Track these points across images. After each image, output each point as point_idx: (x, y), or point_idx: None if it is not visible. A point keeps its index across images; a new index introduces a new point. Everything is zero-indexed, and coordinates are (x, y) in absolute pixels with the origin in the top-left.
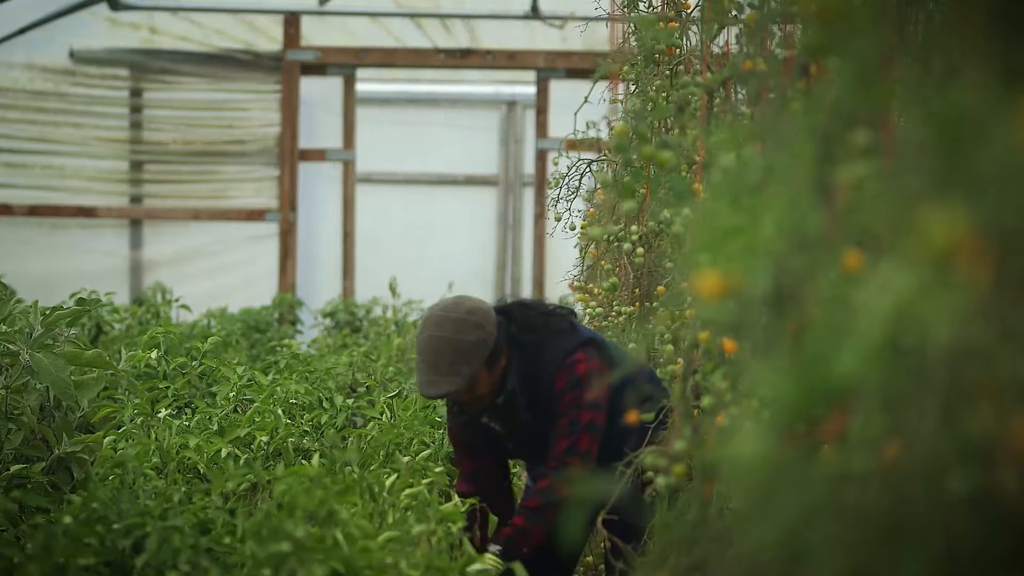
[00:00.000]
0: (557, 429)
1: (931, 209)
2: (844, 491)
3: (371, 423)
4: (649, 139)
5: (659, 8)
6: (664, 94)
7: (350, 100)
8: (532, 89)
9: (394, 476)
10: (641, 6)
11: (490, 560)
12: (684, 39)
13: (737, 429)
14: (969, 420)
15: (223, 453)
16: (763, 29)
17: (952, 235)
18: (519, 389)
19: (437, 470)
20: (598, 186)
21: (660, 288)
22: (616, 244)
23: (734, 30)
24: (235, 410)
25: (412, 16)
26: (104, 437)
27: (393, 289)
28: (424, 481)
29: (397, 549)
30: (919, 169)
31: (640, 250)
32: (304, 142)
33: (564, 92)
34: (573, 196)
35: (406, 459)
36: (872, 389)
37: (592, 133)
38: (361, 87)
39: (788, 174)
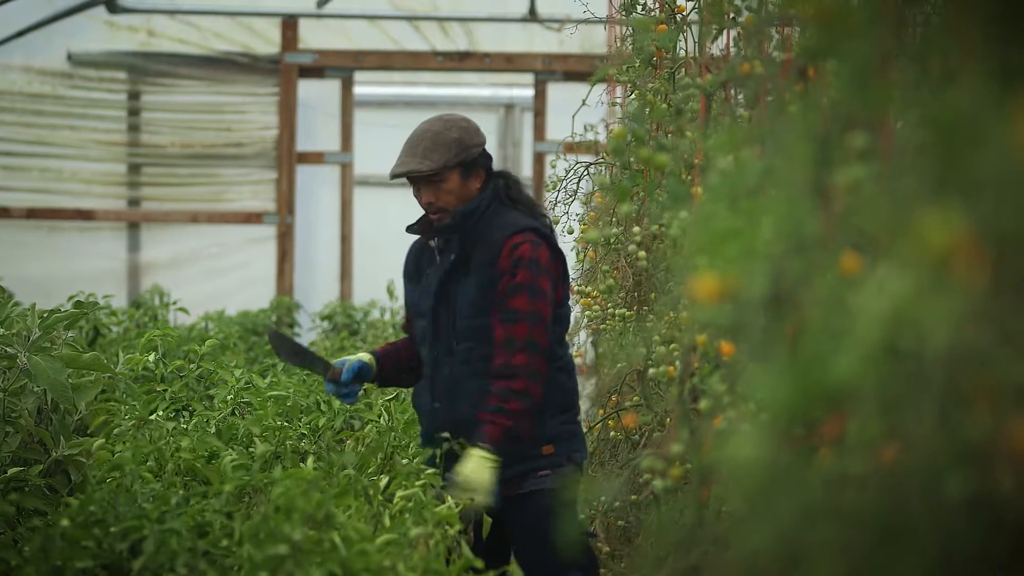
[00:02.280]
0: (493, 312)
1: (928, 212)
2: (841, 494)
3: (369, 426)
4: (647, 142)
5: (656, 11)
6: (661, 97)
7: (348, 103)
8: (530, 92)
9: (387, 479)
10: (638, 9)
11: (478, 454)
12: (682, 42)
13: (734, 432)
14: (966, 423)
15: (227, 460)
16: (761, 32)
17: (949, 238)
18: (479, 231)
19: (430, 472)
20: (596, 189)
21: (652, 295)
22: (615, 247)
23: (732, 33)
24: (233, 413)
25: (410, 19)
26: (101, 440)
27: (391, 292)
28: (418, 483)
29: (395, 552)
30: (916, 172)
31: (643, 253)
32: (302, 145)
33: (562, 95)
34: (571, 199)
35: (404, 462)
36: (869, 392)
37: (590, 136)
38: (359, 90)
39: (786, 177)
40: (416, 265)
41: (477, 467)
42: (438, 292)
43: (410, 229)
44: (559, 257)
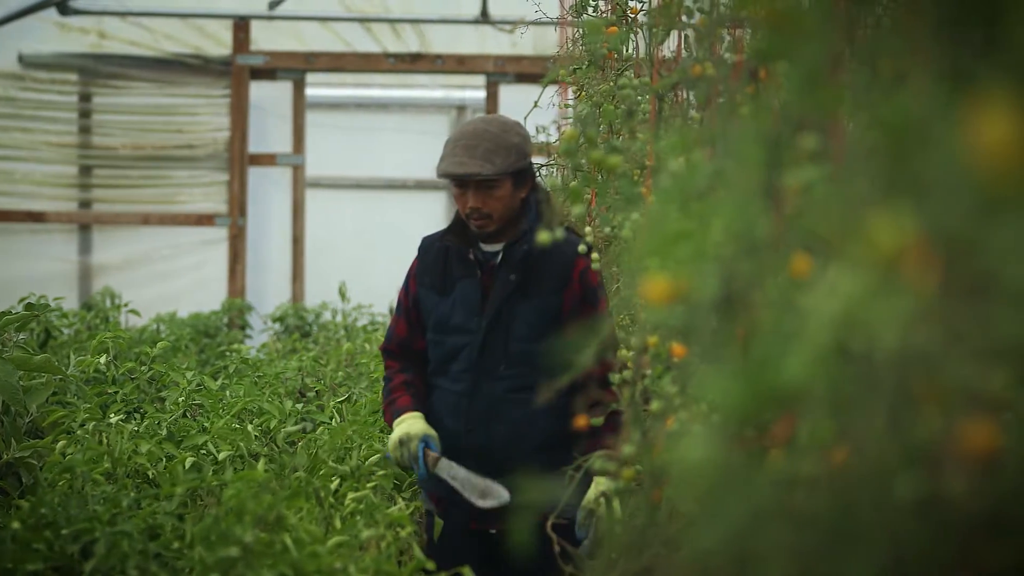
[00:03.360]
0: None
1: (878, 214)
2: (792, 495)
3: (320, 428)
4: (598, 143)
5: (607, 13)
6: (612, 98)
7: (300, 105)
8: (482, 94)
9: (338, 480)
10: (589, 11)
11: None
12: (633, 43)
13: (686, 433)
14: (916, 425)
15: (186, 463)
16: (712, 34)
17: (899, 240)
18: (528, 249)
19: (381, 473)
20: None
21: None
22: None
23: (684, 35)
24: (184, 415)
25: (361, 21)
26: (53, 442)
27: (343, 294)
28: (369, 485)
29: (346, 554)
30: (866, 174)
31: (596, 255)
32: (254, 147)
33: (514, 96)
34: None
35: (353, 463)
36: (819, 394)
37: (542, 137)
38: (311, 92)
39: (736, 179)
40: (442, 274)
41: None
42: (497, 313)
43: (447, 238)
44: None
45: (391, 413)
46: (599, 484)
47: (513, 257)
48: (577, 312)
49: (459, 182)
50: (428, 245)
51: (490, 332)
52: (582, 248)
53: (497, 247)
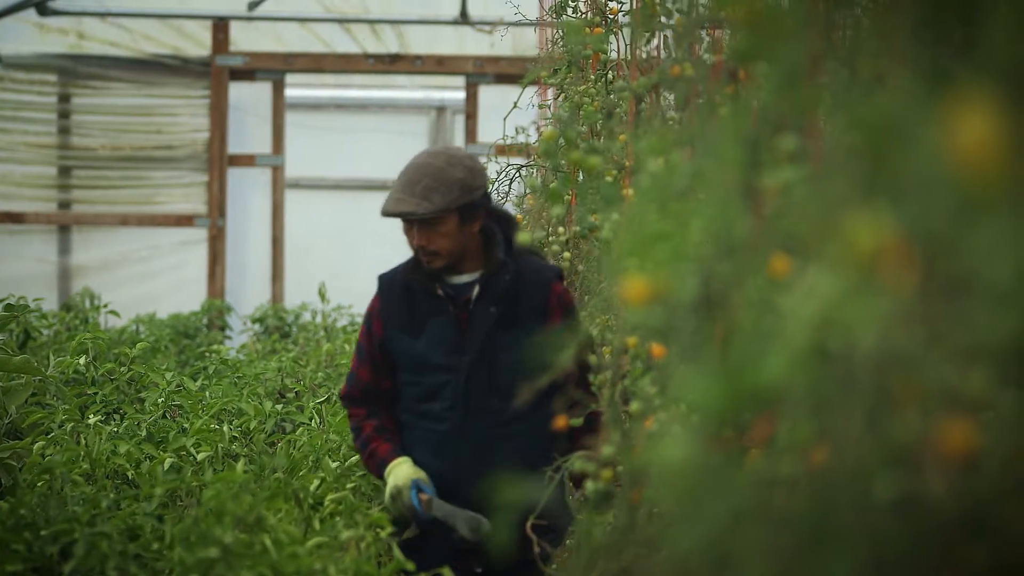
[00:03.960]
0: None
1: (857, 214)
2: (771, 496)
3: (300, 429)
4: (577, 144)
5: (587, 14)
6: (590, 99)
7: (279, 105)
8: (461, 94)
9: (318, 481)
10: (569, 12)
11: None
12: (613, 44)
13: (665, 434)
14: (895, 425)
15: (166, 464)
16: (691, 34)
17: (878, 240)
18: (509, 281)
19: (360, 474)
20: (528, 192)
21: (585, 296)
22: (545, 249)
23: (663, 35)
24: (164, 416)
25: (341, 21)
26: (32, 443)
27: (323, 295)
28: (348, 486)
29: (326, 555)
30: (845, 175)
31: (567, 254)
32: (233, 147)
33: (493, 97)
34: (503, 201)
35: (334, 464)
36: (798, 394)
37: (521, 138)
38: (290, 92)
39: (715, 179)
40: (410, 314)
41: None
42: (480, 348)
43: (411, 276)
44: None
45: (374, 464)
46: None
47: (494, 289)
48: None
49: (404, 220)
50: (389, 283)
51: (474, 368)
52: (555, 270)
53: (466, 279)
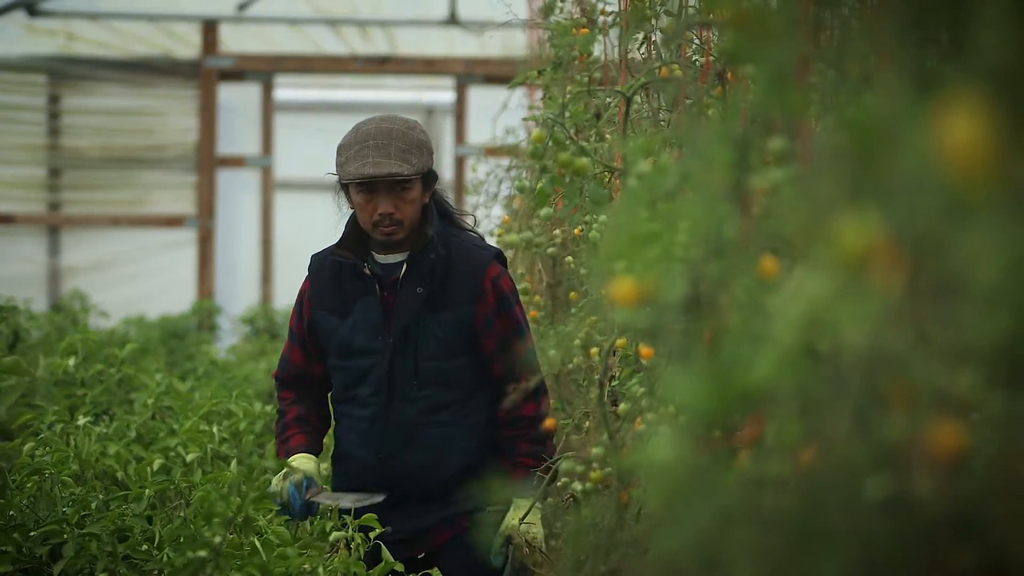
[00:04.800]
0: (494, 338)
1: (845, 215)
2: (759, 497)
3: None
4: (566, 145)
5: (576, 15)
6: (579, 100)
7: (268, 106)
8: (450, 96)
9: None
10: (558, 13)
11: (525, 503)
12: (603, 45)
13: (653, 434)
14: (883, 426)
15: (155, 465)
16: (679, 36)
17: (866, 241)
18: (436, 259)
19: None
20: (516, 193)
21: (572, 294)
22: (534, 250)
23: (653, 37)
24: (153, 417)
25: (330, 23)
26: (22, 444)
27: None
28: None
29: (315, 555)
30: (834, 175)
31: (570, 258)
32: (223, 148)
33: (482, 98)
34: (492, 202)
35: (324, 466)
36: (787, 395)
37: (511, 139)
38: (280, 94)
39: (704, 180)
40: (339, 294)
41: (533, 516)
42: (404, 330)
43: (337, 253)
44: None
45: (284, 452)
46: (519, 508)
47: (420, 268)
48: (491, 324)
49: (368, 187)
50: (319, 264)
51: (398, 351)
52: (492, 250)
53: (396, 258)
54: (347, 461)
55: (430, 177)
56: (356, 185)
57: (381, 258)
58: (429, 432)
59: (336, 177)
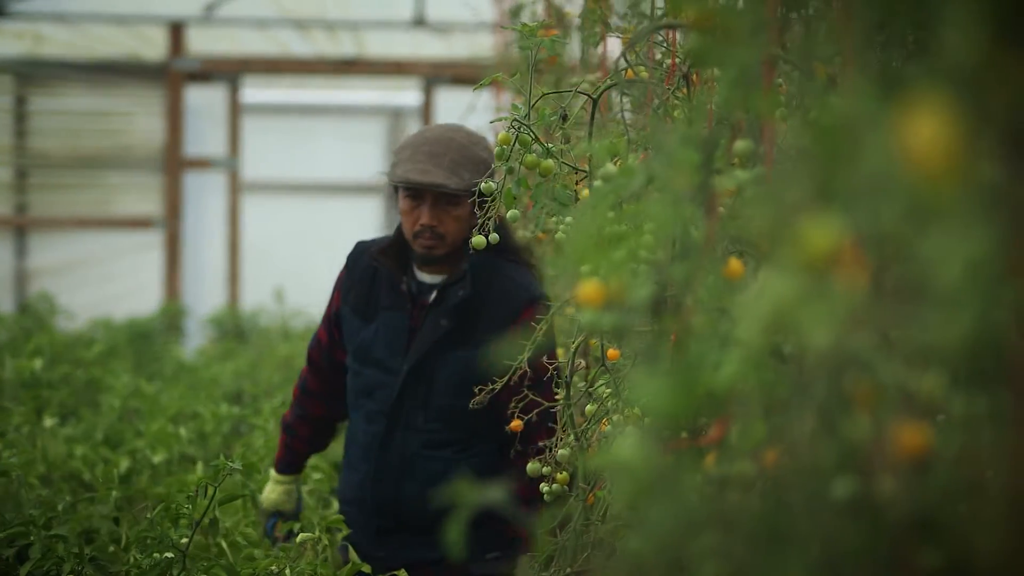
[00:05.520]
0: (511, 388)
1: (809, 217)
2: (724, 498)
3: (256, 431)
4: (532, 147)
5: (543, 17)
6: (548, 102)
7: (235, 108)
8: (418, 97)
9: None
10: (525, 15)
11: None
12: (569, 47)
13: (618, 435)
14: (848, 426)
15: (122, 467)
16: (645, 38)
17: (829, 243)
18: (467, 295)
19: (316, 477)
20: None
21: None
22: None
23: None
24: (120, 419)
25: (298, 25)
26: None
27: (279, 297)
28: (305, 489)
29: (282, 557)
30: (798, 177)
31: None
32: (190, 150)
33: (450, 100)
34: None
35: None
36: (752, 396)
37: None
38: (247, 95)
39: (669, 182)
40: (368, 297)
41: None
42: (421, 360)
43: (379, 259)
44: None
45: (279, 452)
46: None
47: (448, 300)
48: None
49: (414, 194)
50: (357, 256)
51: (411, 379)
52: (534, 293)
53: (434, 279)
54: (350, 472)
55: (483, 199)
56: (404, 190)
57: (421, 275)
58: (428, 466)
59: (389, 178)
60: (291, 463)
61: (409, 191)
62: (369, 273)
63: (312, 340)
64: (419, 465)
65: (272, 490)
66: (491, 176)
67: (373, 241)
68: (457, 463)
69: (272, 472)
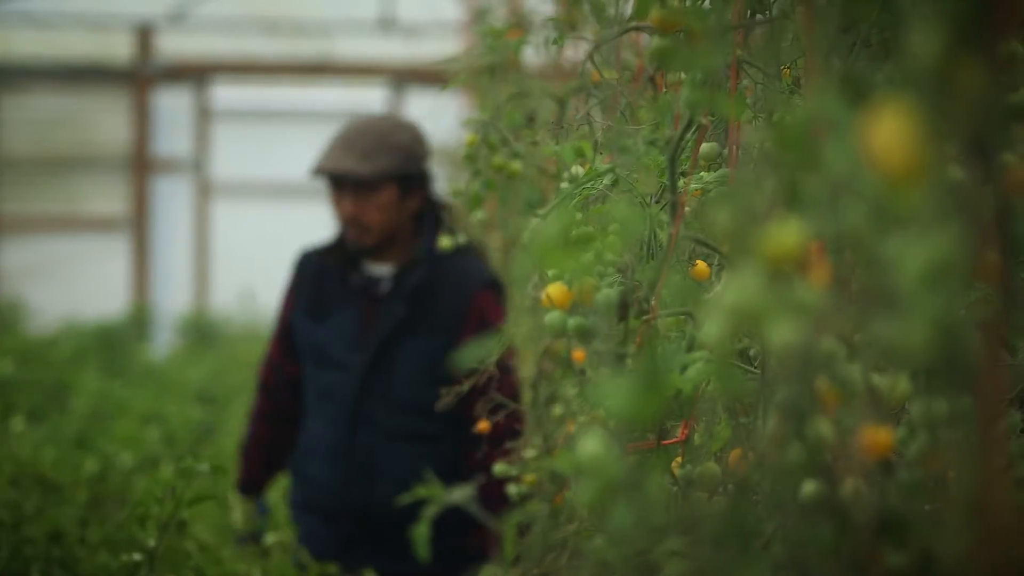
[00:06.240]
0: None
1: (772, 220)
2: (688, 498)
3: (224, 432)
4: (499, 149)
5: (508, 19)
6: (515, 104)
7: (204, 111)
8: (387, 99)
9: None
10: (491, 17)
11: None
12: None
13: (583, 437)
14: (812, 428)
15: (90, 468)
16: (611, 40)
17: (793, 245)
18: (421, 278)
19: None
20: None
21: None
22: None
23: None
24: (89, 421)
25: (267, 28)
26: None
27: (247, 300)
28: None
29: (250, 558)
30: (761, 180)
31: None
32: (158, 152)
33: (419, 102)
34: None
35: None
36: (716, 398)
37: (448, 142)
38: (215, 97)
39: (635, 184)
40: (318, 298)
41: None
42: (378, 351)
43: (325, 256)
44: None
45: (237, 477)
46: None
47: (404, 287)
48: None
49: (336, 185)
50: (306, 261)
51: (371, 373)
52: (486, 277)
53: (384, 270)
54: (310, 485)
55: (410, 183)
56: (329, 183)
57: (371, 267)
58: (397, 465)
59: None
60: (251, 484)
61: (333, 183)
62: (317, 275)
63: (263, 363)
64: (386, 464)
65: (240, 511)
66: (414, 160)
67: (315, 245)
68: (424, 458)
69: (236, 495)
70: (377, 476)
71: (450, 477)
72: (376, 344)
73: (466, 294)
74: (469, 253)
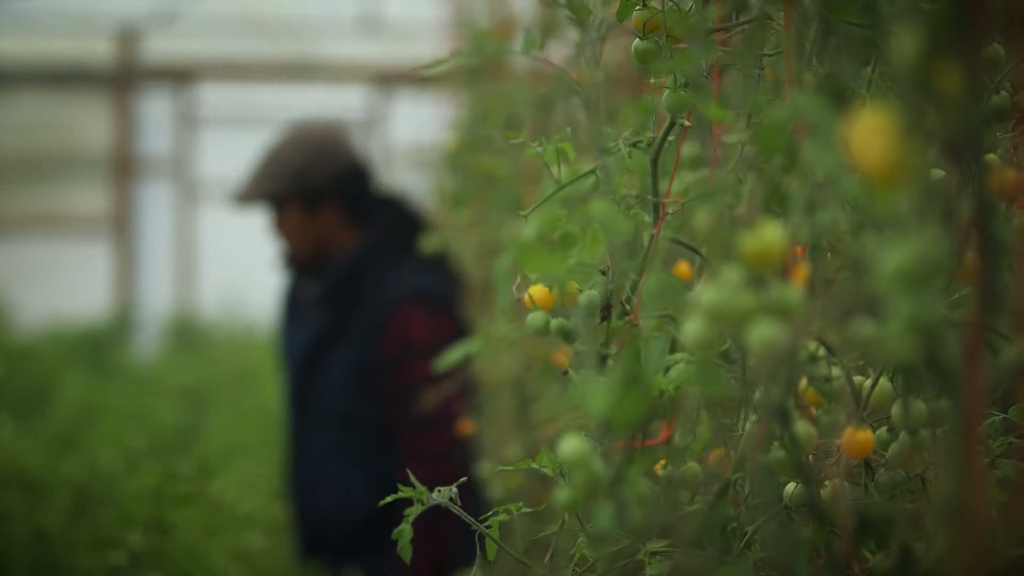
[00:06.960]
0: (389, 391)
1: (752, 222)
2: (670, 500)
3: (212, 433)
4: (483, 150)
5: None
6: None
7: (188, 112)
8: (373, 100)
9: (229, 486)
10: (475, 18)
11: None
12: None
13: (565, 438)
14: (793, 429)
15: (76, 469)
16: (595, 41)
17: (772, 247)
18: (334, 285)
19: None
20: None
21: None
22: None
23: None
24: (75, 421)
25: (253, 29)
26: None
27: (233, 301)
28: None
29: (236, 559)
30: (741, 183)
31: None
32: (142, 153)
33: (405, 103)
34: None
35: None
36: (697, 399)
37: (433, 143)
38: (201, 98)
39: (619, 184)
40: (289, 304)
41: None
42: (310, 359)
43: (287, 273)
44: (459, 327)
45: None
46: None
47: (326, 295)
48: (390, 370)
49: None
50: (286, 281)
51: (304, 383)
52: (404, 291)
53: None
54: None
55: (315, 198)
56: None
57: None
58: (326, 480)
59: None
60: None
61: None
62: (288, 293)
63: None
64: (318, 477)
65: None
66: (301, 178)
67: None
68: (355, 473)
69: None
70: (310, 490)
71: (387, 492)
72: (305, 356)
73: (386, 307)
74: (415, 264)
